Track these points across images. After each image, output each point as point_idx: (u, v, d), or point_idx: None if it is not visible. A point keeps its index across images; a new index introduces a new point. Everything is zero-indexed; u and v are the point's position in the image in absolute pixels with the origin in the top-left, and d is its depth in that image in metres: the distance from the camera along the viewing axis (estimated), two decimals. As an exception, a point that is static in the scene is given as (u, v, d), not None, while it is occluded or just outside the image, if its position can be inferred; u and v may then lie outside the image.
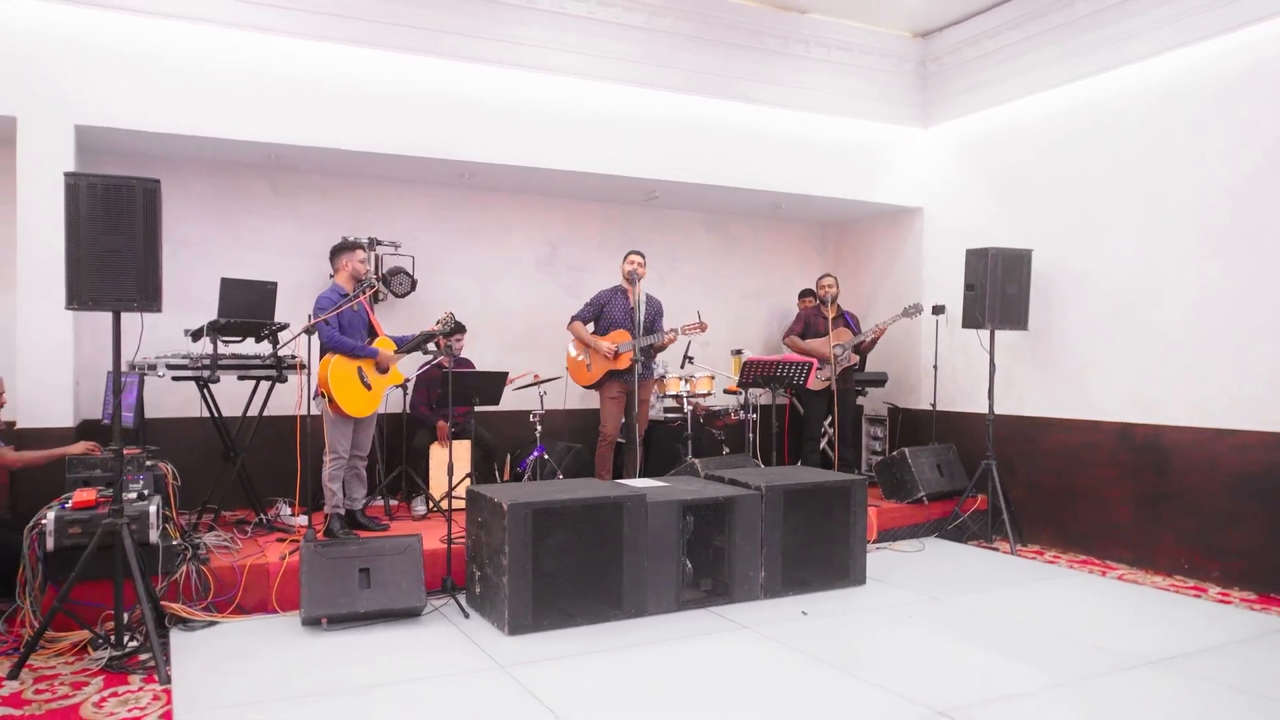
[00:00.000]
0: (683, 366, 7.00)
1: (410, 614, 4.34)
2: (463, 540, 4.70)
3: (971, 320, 6.24)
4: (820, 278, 7.12)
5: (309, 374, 4.97)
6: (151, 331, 5.00)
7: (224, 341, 5.21)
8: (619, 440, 6.33)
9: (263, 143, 5.51)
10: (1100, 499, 5.99)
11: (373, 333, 5.31)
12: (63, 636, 3.91)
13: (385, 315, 6.48)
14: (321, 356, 5.03)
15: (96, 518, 3.91)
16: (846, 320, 7.04)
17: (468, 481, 5.60)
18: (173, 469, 4.71)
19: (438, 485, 5.99)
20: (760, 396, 6.79)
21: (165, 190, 3.91)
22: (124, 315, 3.81)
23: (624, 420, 6.19)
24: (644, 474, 6.15)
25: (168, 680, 3.54)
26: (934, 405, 7.01)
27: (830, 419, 6.94)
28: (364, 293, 5.16)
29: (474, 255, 7.09)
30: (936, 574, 5.41)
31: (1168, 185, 5.65)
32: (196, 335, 5.24)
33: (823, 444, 7.11)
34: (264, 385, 5.52)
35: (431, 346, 5.68)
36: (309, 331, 4.75)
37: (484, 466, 6.34)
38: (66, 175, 3.64)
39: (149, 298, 3.73)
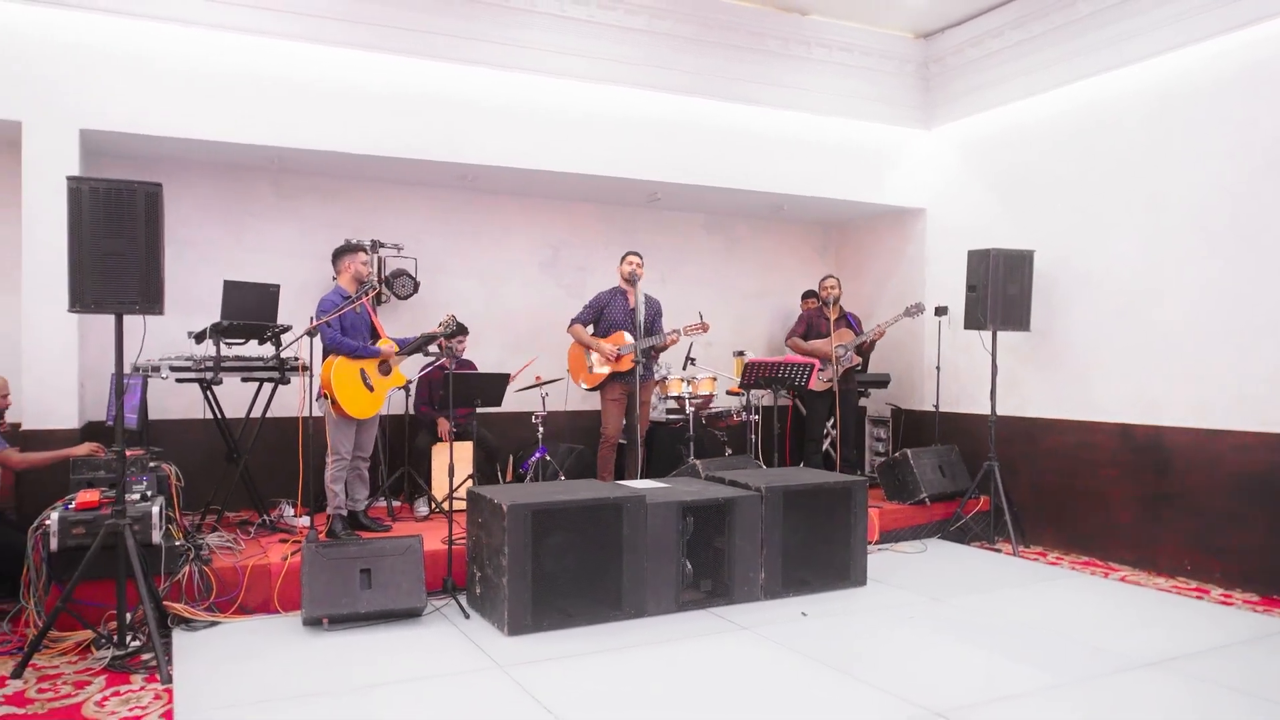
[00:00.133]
0: (685, 368, 7.01)
1: (411, 614, 4.36)
2: (464, 541, 4.72)
3: (973, 321, 6.23)
4: (823, 279, 7.12)
5: (311, 375, 5.00)
6: (156, 334, 5.05)
7: (227, 343, 5.25)
8: (620, 441, 6.34)
9: (265, 146, 5.55)
10: (1102, 500, 5.98)
11: (375, 335, 5.33)
12: (66, 636, 3.94)
13: (388, 317, 6.52)
14: (324, 358, 5.06)
15: (100, 518, 3.94)
16: (849, 321, 7.04)
17: (470, 483, 5.63)
18: (176, 470, 4.75)
19: (440, 486, 6.01)
20: (763, 398, 6.80)
21: (169, 193, 3.95)
22: (127, 317, 3.84)
23: (625, 421, 6.20)
24: (646, 475, 6.16)
25: (169, 680, 3.57)
26: (936, 406, 7.01)
27: (833, 420, 6.94)
28: (366, 295, 5.19)
29: (477, 257, 7.12)
30: (938, 575, 5.41)
31: (1168, 185, 5.64)
32: (200, 337, 5.27)
33: (825, 445, 7.11)
34: (267, 387, 5.55)
35: (434, 348, 5.71)
36: (311, 333, 4.78)
37: (486, 468, 6.36)
38: (69, 179, 3.68)
39: (151, 300, 3.77)
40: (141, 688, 3.54)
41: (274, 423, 5.70)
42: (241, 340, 5.37)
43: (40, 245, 4.90)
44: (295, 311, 5.75)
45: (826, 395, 6.84)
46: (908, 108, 7.35)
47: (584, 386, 6.30)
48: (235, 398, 5.60)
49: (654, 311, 6.30)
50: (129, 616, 3.89)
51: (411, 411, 6.35)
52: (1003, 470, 6.23)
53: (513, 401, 5.97)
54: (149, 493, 4.36)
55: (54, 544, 3.97)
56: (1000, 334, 6.26)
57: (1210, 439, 5.37)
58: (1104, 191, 6.04)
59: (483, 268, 7.13)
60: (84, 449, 4.56)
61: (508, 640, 4.10)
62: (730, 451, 6.94)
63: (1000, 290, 6.12)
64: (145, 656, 3.78)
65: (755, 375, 6.10)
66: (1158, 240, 5.70)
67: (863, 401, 7.74)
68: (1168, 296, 5.64)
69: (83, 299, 3.68)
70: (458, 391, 5.06)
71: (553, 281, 7.37)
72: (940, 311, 7.02)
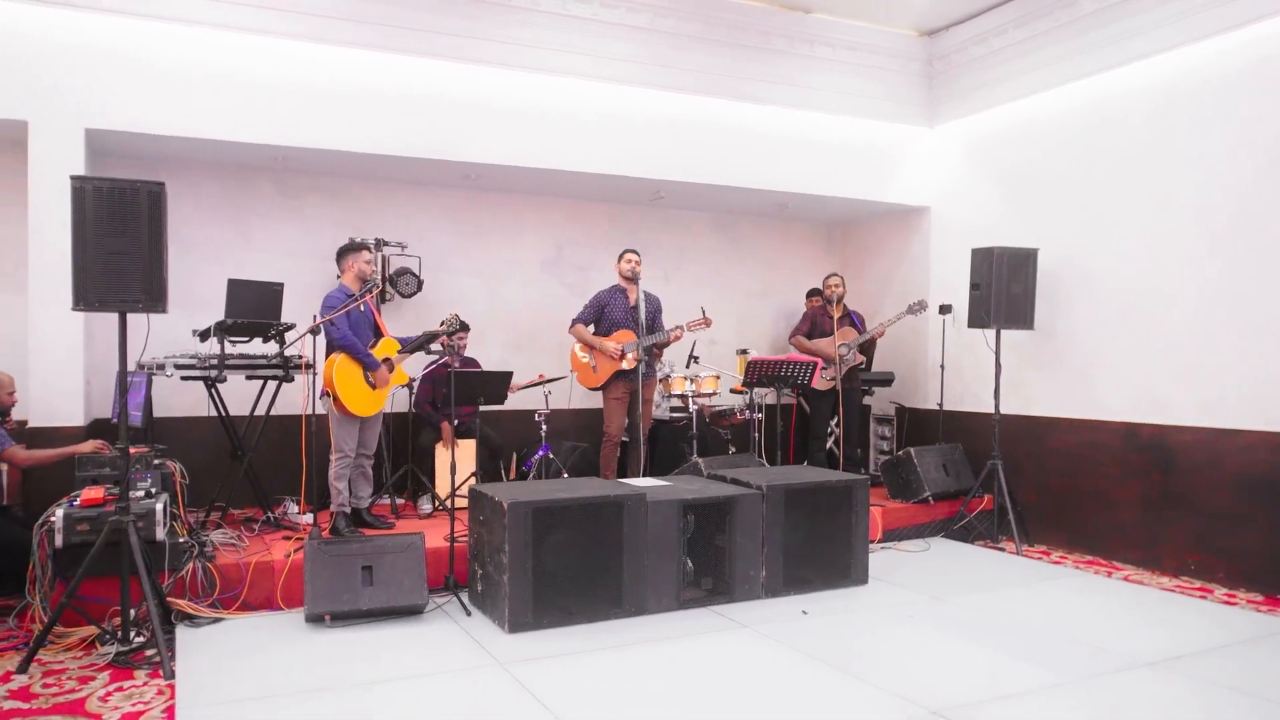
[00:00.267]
0: (688, 366, 7.02)
1: (412, 611, 4.38)
2: (466, 538, 4.74)
3: (977, 320, 6.22)
4: (827, 277, 7.11)
5: (314, 374, 5.02)
6: (162, 332, 5.10)
7: (231, 341, 5.27)
8: (624, 439, 6.35)
9: (269, 145, 5.57)
10: (1107, 499, 5.96)
11: (378, 333, 5.36)
12: (71, 632, 3.98)
13: (391, 315, 6.55)
14: (328, 355, 5.09)
15: (104, 515, 3.97)
16: (852, 320, 7.03)
17: (473, 480, 5.65)
18: (181, 467, 4.77)
19: (444, 484, 6.02)
20: (766, 396, 6.80)
21: (174, 192, 3.97)
22: (131, 316, 3.87)
23: (628, 420, 6.21)
24: (649, 473, 6.17)
25: (172, 675, 3.60)
26: (940, 405, 7.00)
27: (837, 419, 6.93)
28: (369, 293, 5.21)
29: (481, 256, 7.14)
30: (940, 574, 5.40)
31: (1172, 183, 5.62)
32: (204, 336, 5.31)
33: (829, 443, 7.10)
34: (271, 385, 5.58)
35: (436, 346, 5.73)
36: (314, 331, 4.80)
37: (490, 466, 6.38)
38: (72, 178, 3.71)
39: (154, 299, 3.79)
40: (145, 683, 3.57)
41: (278, 420, 5.73)
42: (246, 338, 5.40)
43: (46, 244, 4.93)
44: (299, 310, 5.78)
45: (830, 394, 6.83)
46: (912, 106, 7.33)
47: (588, 386, 6.31)
48: (240, 396, 5.63)
49: (654, 308, 6.30)
50: (133, 613, 3.92)
51: (414, 409, 6.37)
52: (1006, 469, 6.21)
53: (516, 400, 5.98)
54: (153, 490, 4.38)
55: (59, 540, 4.00)
56: (1004, 332, 6.25)
57: (1215, 438, 5.35)
58: (1108, 190, 6.02)
59: (486, 266, 7.15)
60: (89, 446, 4.59)
61: (508, 637, 4.12)
62: (734, 450, 6.94)
63: (1004, 289, 6.11)
64: (149, 652, 3.81)
65: (758, 374, 6.10)
66: (1162, 239, 5.68)
67: (867, 400, 7.73)
68: (1172, 295, 5.61)
69: (86, 297, 3.71)
70: (460, 390, 5.08)
71: (556, 280, 7.39)
72: (944, 310, 7.01)
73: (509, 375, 5.50)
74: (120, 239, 3.72)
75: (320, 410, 5.17)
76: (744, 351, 7.53)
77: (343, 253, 5.35)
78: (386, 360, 5.25)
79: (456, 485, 4.93)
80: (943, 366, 6.99)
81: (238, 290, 5.36)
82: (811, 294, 7.85)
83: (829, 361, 6.75)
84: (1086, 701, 3.47)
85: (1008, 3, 6.49)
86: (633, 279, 6.18)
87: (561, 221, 7.41)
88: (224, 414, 5.51)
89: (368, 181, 6.71)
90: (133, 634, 3.88)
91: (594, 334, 6.25)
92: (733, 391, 7.33)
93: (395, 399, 5.86)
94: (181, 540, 4.41)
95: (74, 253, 3.69)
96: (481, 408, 5.30)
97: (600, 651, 3.99)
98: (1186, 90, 5.54)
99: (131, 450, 4.07)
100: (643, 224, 7.66)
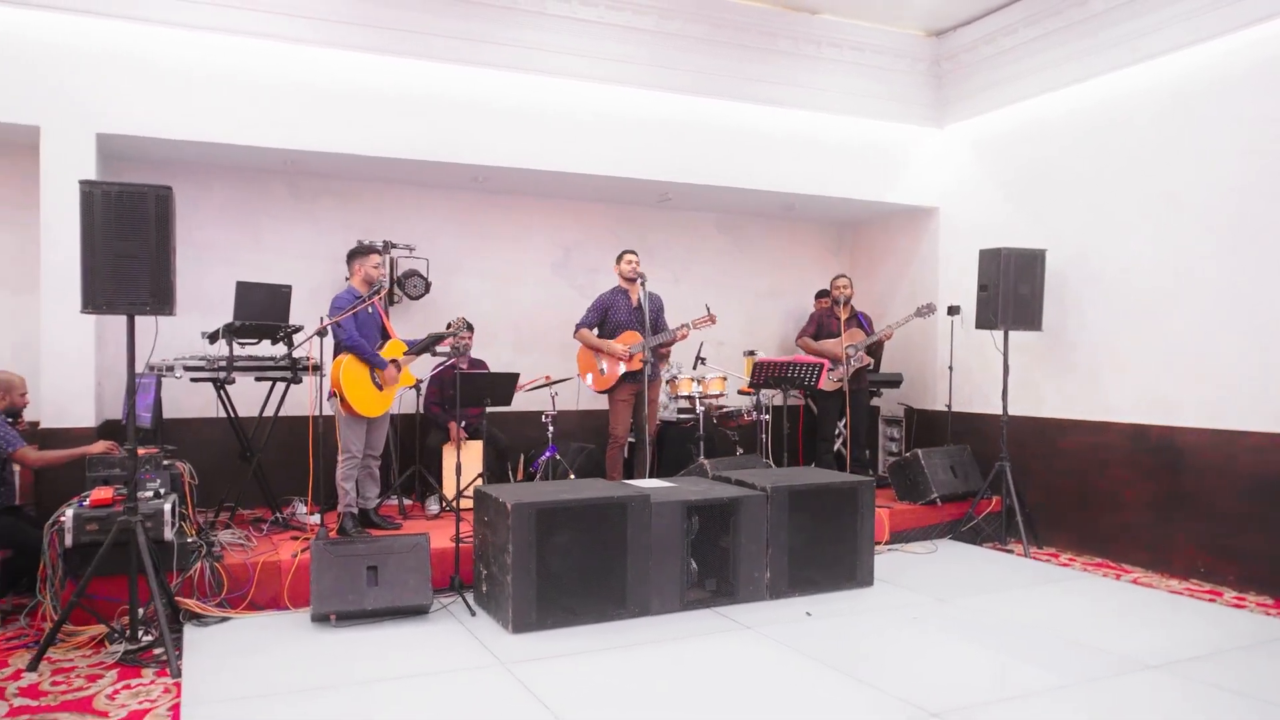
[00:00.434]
0: (695, 367, 7.02)
1: (417, 611, 4.41)
2: (471, 539, 4.76)
3: (984, 321, 6.19)
4: (835, 278, 7.10)
5: (322, 375, 5.06)
6: (172, 334, 5.13)
7: (240, 343, 5.32)
8: (630, 440, 6.36)
9: (279, 149, 5.63)
10: (1115, 501, 5.92)
11: (385, 334, 5.40)
12: (81, 630, 4.03)
13: (400, 317, 6.59)
14: (335, 356, 5.12)
15: (113, 515, 4.01)
16: (860, 321, 7.02)
17: (480, 481, 5.67)
18: (190, 468, 4.81)
19: (451, 485, 6.05)
20: (774, 397, 6.79)
21: (187, 196, 4.02)
22: (140, 318, 3.91)
23: (634, 421, 6.22)
24: (656, 474, 6.18)
25: (179, 674, 3.64)
26: (949, 406, 6.97)
27: (845, 420, 6.92)
28: (376, 295, 5.25)
29: (489, 258, 7.17)
30: (946, 576, 5.38)
31: (1181, 184, 5.58)
32: (213, 337, 5.35)
33: (837, 445, 7.09)
34: (279, 386, 5.62)
35: (444, 347, 5.76)
36: (321, 333, 4.84)
37: (497, 467, 6.40)
38: (81, 183, 3.76)
39: (161, 301, 3.84)
40: (152, 681, 3.61)
41: (286, 421, 5.77)
42: (254, 340, 5.44)
43: (57, 248, 4.99)
44: (307, 312, 5.82)
45: (838, 395, 6.82)
46: (920, 106, 7.31)
47: (598, 390, 6.32)
48: (248, 397, 5.68)
49: (656, 308, 6.31)
50: (141, 612, 3.96)
51: (421, 411, 6.40)
52: (1015, 471, 6.19)
53: (523, 401, 6.00)
54: (162, 490, 4.42)
55: (69, 540, 4.05)
56: (1012, 334, 6.22)
57: (1225, 440, 5.30)
58: (1116, 190, 5.98)
59: (494, 268, 7.18)
60: (99, 447, 4.64)
61: (512, 638, 4.14)
62: (741, 451, 6.94)
63: (1011, 290, 6.08)
64: (157, 651, 3.85)
65: (765, 375, 6.10)
66: (1170, 239, 5.64)
67: (875, 401, 7.71)
68: (1181, 296, 5.57)
69: (95, 300, 3.76)
70: (467, 391, 5.10)
71: (564, 282, 7.41)
72: (953, 311, 6.98)
73: (515, 376, 5.52)
74: (128, 242, 3.77)
75: (328, 411, 5.21)
76: (751, 353, 7.52)
77: (351, 255, 5.40)
78: (394, 361, 5.29)
79: (463, 486, 4.95)
80: (951, 368, 6.97)
81: (246, 292, 5.41)
82: (820, 295, 7.84)
83: (836, 362, 6.73)
84: (1090, 703, 3.45)
85: (1017, 2, 6.46)
86: (634, 279, 6.19)
87: (569, 224, 7.44)
88: (233, 415, 5.56)
89: (377, 184, 6.76)
90: (141, 633, 3.92)
91: (598, 337, 6.26)
92: (740, 393, 7.32)
93: (403, 400, 5.89)
94: (189, 540, 4.45)
95: (83, 256, 3.74)
96: (488, 409, 5.32)
97: (604, 652, 4.00)
98: (1195, 90, 5.50)
99: (141, 451, 4.12)
100: (650, 226, 7.67)
